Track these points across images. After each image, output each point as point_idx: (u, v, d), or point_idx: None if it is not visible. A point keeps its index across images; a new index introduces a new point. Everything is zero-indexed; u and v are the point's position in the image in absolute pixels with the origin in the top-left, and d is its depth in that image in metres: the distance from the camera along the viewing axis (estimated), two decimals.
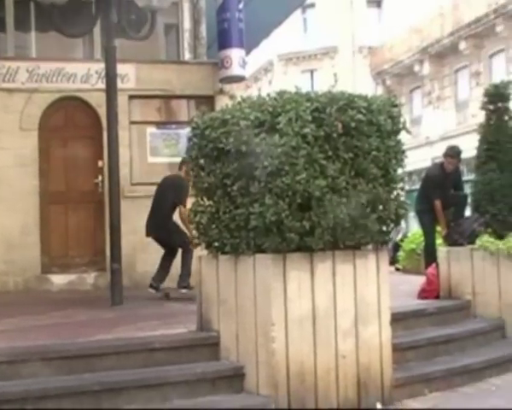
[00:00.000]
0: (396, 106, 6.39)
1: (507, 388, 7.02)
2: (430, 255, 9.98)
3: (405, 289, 10.14)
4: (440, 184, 9.98)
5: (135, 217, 11.06)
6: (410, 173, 31.85)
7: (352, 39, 40.47)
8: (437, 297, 9.15)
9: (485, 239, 8.92)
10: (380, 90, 35.37)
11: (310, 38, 41.73)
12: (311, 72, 41.36)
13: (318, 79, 38.68)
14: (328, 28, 40.11)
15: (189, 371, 6.10)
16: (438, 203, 9.92)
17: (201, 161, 6.48)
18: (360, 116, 6.01)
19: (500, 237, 8.96)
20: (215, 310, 6.62)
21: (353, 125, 6.00)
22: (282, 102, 6.04)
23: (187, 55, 13.34)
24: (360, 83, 36.29)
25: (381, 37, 37.40)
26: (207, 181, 6.43)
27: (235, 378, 6.22)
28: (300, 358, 5.98)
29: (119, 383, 5.77)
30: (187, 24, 13.33)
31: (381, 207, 6.26)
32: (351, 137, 6.04)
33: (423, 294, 9.26)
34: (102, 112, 10.70)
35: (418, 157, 30.08)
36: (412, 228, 21.43)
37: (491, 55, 28.72)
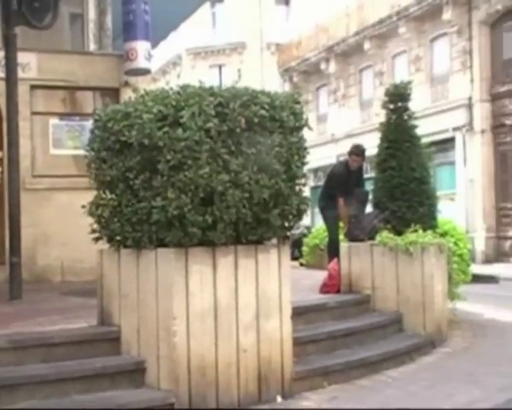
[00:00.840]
0: (298, 102, 6.48)
1: (402, 379, 7.22)
2: (333, 251, 10.15)
3: (308, 283, 10.29)
4: (344, 181, 10.16)
5: (36, 209, 10.82)
6: (316, 170, 32.37)
7: (260, 36, 40.73)
8: (338, 292, 9.33)
9: (385, 235, 9.16)
10: (287, 87, 35.73)
11: (218, 32, 41.77)
12: (220, 67, 41.41)
13: (227, 75, 38.76)
14: (236, 24, 40.25)
15: (88, 366, 6.02)
16: (341, 200, 10.10)
17: (103, 154, 6.39)
18: (263, 112, 6.06)
19: (399, 233, 9.21)
20: (116, 304, 6.56)
21: (256, 120, 6.05)
22: (185, 97, 6.03)
23: (92, 46, 13.14)
24: (268, 79, 36.59)
25: (288, 34, 37.77)
26: (109, 174, 6.35)
27: (135, 373, 6.18)
28: (201, 352, 5.99)
29: (17, 379, 5.65)
30: (92, 14, 13.12)
31: (283, 202, 6.33)
32: (254, 132, 6.08)
33: (325, 288, 9.42)
34: (2, 101, 10.41)
35: (324, 154, 30.61)
36: (318, 224, 21.70)
37: (394, 56, 29.45)
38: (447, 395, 6.49)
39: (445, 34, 26.53)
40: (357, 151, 10.33)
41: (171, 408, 5.88)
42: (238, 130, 6.01)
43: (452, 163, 26.12)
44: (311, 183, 32.57)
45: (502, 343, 9.21)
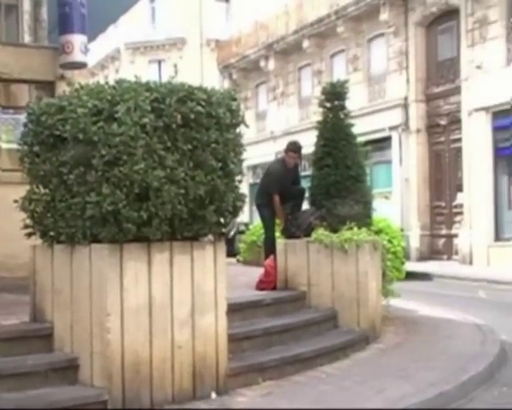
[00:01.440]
0: (235, 99, 6.49)
1: (336, 375, 7.30)
2: (269, 248, 10.19)
3: (245, 280, 10.32)
4: (281, 178, 10.18)
5: None
6: (255, 167, 32.45)
7: (199, 32, 40.64)
8: (274, 288, 9.38)
9: (321, 232, 9.24)
10: (226, 84, 35.71)
11: (158, 27, 41.52)
12: (159, 62, 41.17)
13: (166, 70, 38.53)
14: (176, 19, 40.06)
15: (20, 363, 5.93)
16: (277, 198, 10.12)
17: (37, 148, 6.29)
18: (199, 108, 6.05)
19: (334, 230, 9.29)
20: (49, 300, 6.47)
21: (192, 116, 6.04)
22: (120, 91, 5.98)
23: (27, 38, 12.88)
24: (208, 76, 36.53)
25: (228, 31, 37.76)
26: (43, 169, 6.25)
27: (68, 370, 6.11)
28: (136, 348, 5.96)
29: None
30: (27, 5, 12.85)
31: (219, 199, 6.33)
32: (190, 128, 6.07)
33: (261, 285, 9.46)
34: None
35: (263, 151, 30.67)
36: (256, 220, 21.75)
37: (333, 55, 29.72)
38: (379, 390, 6.60)
39: (382, 35, 26.90)
40: (294, 148, 10.37)
41: (105, 406, 5.83)
42: (174, 126, 5.98)
43: (389, 162, 26.50)
44: (250, 180, 32.65)
45: (434, 339, 9.39)
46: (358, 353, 8.31)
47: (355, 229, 9.15)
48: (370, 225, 9.89)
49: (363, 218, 9.66)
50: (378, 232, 10.20)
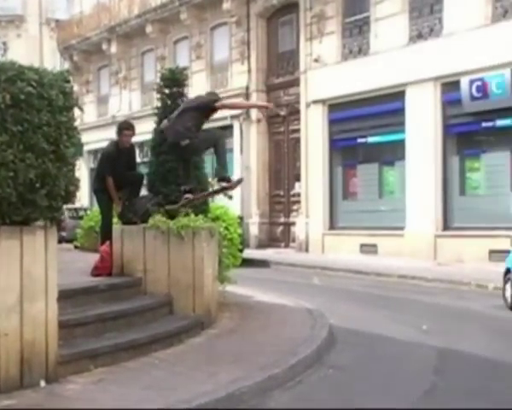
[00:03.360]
0: (68, 81, 6.35)
1: (170, 361, 7.34)
2: (105, 233, 10.05)
3: (81, 266, 10.14)
4: (114, 160, 9.97)
5: None
6: (96, 151, 31.80)
7: (39, 10, 39.25)
8: (110, 274, 9.28)
9: (158, 218, 9.23)
10: (67, 66, 34.75)
11: None
12: None
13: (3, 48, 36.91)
14: None
15: None
16: (110, 180, 9.91)
17: None
18: (30, 89, 5.87)
19: (171, 217, 9.31)
20: None
21: (22, 97, 5.85)
22: None
23: None
24: (48, 57, 35.40)
25: (70, 11, 36.73)
26: None
27: None
28: None
29: None
30: None
31: (50, 183, 6.17)
32: (20, 109, 5.88)
33: (96, 271, 9.33)
34: None
35: (104, 136, 30.08)
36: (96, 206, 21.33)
37: (176, 41, 29.66)
38: (211, 375, 6.70)
39: (225, 24, 27.14)
40: (127, 126, 10.23)
41: None
42: (3, 106, 5.77)
43: (230, 150, 26.78)
44: (91, 164, 32.02)
45: (267, 324, 9.65)
46: (193, 338, 8.39)
47: (192, 216, 9.21)
48: (207, 212, 9.98)
49: (200, 205, 9.73)
50: (215, 219, 10.31)
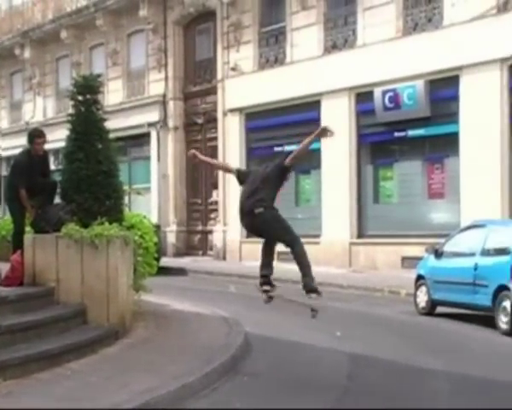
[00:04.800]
0: None
1: (83, 371, 7.24)
2: (17, 243, 9.83)
3: None
4: (26, 169, 9.78)
5: None
6: (9, 158, 31.08)
7: None
8: (21, 284, 9.09)
9: (71, 227, 9.08)
10: None
11: None
12: None
13: None
14: None
15: None
16: (23, 192, 9.67)
17: None
18: None
19: (85, 225, 9.17)
20: None
21: None
22: None
23: None
24: None
25: None
26: None
27: None
28: None
29: None
30: None
31: None
32: None
33: (7, 281, 9.12)
34: None
35: (18, 143, 29.44)
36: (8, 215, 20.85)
37: (92, 48, 29.23)
38: (124, 385, 6.64)
39: (141, 31, 26.93)
40: (38, 133, 10.07)
41: None
42: None
43: (147, 158, 26.64)
44: (4, 172, 31.25)
45: (182, 333, 9.62)
46: (107, 348, 8.29)
47: (106, 224, 9.10)
48: (122, 220, 9.88)
49: (115, 213, 9.63)
50: (130, 228, 10.21)
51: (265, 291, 7.96)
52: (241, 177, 8.29)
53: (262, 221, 7.80)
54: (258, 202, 7.79)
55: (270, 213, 7.87)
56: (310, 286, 7.77)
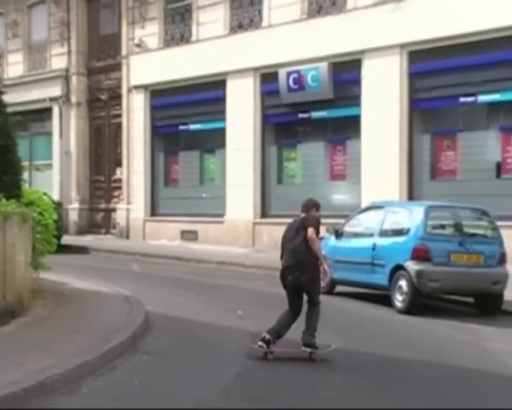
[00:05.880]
0: None
1: None
2: None
3: None
4: None
5: None
6: None
7: None
8: None
9: None
10: None
11: None
12: None
13: None
14: None
15: None
16: None
17: None
18: None
19: None
20: None
21: None
22: None
23: None
24: None
25: None
26: None
27: None
28: None
29: None
30: None
31: None
32: None
33: None
34: None
35: None
36: None
37: None
38: (20, 364, 6.50)
39: (43, 2, 26.21)
40: None
41: None
42: None
43: (49, 134, 26.05)
44: None
45: (82, 311, 9.51)
46: (3, 327, 8.11)
47: (3, 200, 8.86)
48: (20, 196, 9.65)
49: (12, 189, 9.40)
50: (29, 204, 9.99)
51: (261, 347, 7.96)
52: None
53: (308, 280, 8.13)
54: (302, 264, 8.13)
55: (317, 273, 8.20)
56: (308, 340, 8.04)
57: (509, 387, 7.39)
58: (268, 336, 7.90)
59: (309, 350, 7.97)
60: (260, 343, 7.89)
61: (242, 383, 6.94)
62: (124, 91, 23.67)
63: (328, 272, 8.36)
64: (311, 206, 8.52)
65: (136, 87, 23.12)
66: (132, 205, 23.46)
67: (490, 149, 16.80)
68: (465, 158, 16.94)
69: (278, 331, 8.04)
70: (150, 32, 22.72)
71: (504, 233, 12.22)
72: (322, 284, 8.55)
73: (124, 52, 23.59)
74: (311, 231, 8.10)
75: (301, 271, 8.09)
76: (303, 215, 8.41)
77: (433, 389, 7.06)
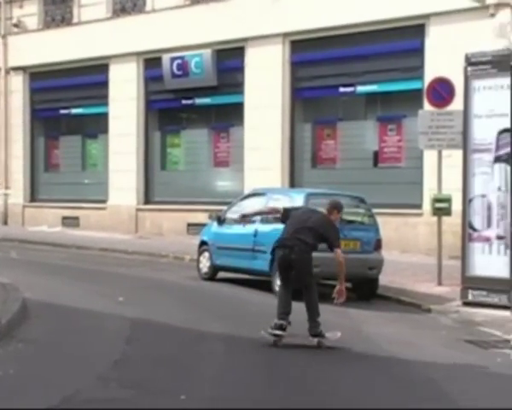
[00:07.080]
0: None
1: None
2: None
3: None
4: None
5: None
6: None
7: None
8: None
9: None
10: None
11: None
12: None
13: None
14: None
15: None
16: None
17: None
18: None
19: None
20: None
21: None
22: None
23: None
24: None
25: None
26: None
27: None
28: None
29: None
30: None
31: None
32: None
33: None
34: None
35: None
36: None
37: None
38: None
39: None
40: None
41: None
42: None
43: None
44: None
45: None
46: None
47: None
48: None
49: None
50: None
51: (277, 336, 7.96)
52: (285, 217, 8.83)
53: (299, 259, 8.20)
54: (300, 242, 8.23)
55: (309, 255, 8.30)
56: (314, 331, 8.14)
57: (381, 365, 7.67)
58: (283, 322, 7.97)
59: (316, 340, 8.11)
60: (277, 332, 7.94)
61: (121, 370, 6.89)
62: (1, 73, 22.93)
63: (344, 292, 8.49)
64: (333, 207, 8.70)
65: (15, 68, 22.46)
66: (11, 190, 22.78)
67: (367, 139, 17.34)
68: (344, 147, 17.42)
69: (286, 312, 8.10)
70: (29, 13, 22.12)
71: (380, 220, 12.63)
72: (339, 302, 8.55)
73: (1, 32, 22.86)
74: (341, 256, 8.38)
75: (293, 250, 8.17)
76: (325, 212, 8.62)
77: (313, 369, 7.25)
